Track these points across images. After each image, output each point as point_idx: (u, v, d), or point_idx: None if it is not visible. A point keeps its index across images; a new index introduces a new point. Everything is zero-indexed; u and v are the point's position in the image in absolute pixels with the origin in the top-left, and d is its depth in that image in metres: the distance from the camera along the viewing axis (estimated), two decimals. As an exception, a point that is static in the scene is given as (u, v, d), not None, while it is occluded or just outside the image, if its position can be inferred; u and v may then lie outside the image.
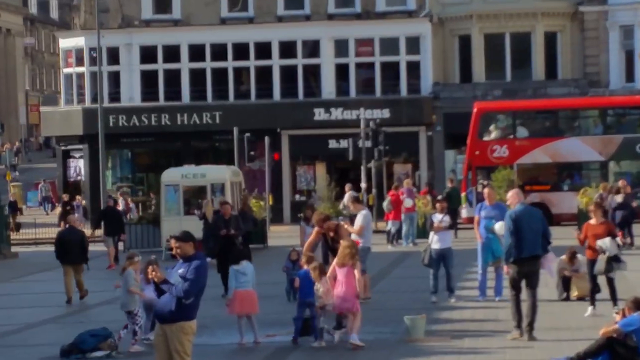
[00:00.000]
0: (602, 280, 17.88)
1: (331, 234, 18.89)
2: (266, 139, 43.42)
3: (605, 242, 17.72)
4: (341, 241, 17.82)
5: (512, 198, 16.56)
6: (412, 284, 24.06)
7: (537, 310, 15.76)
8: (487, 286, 21.11)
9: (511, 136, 42.47)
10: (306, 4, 49.44)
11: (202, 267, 9.76)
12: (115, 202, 37.28)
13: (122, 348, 15.76)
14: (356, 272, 16.02)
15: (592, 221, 18.42)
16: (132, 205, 43.96)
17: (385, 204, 36.08)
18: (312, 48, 49.27)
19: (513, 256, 15.67)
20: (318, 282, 15.88)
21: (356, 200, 24.21)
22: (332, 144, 47.88)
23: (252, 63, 48.23)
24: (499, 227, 18.47)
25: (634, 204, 33.03)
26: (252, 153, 43.80)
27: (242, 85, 49.17)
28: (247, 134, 42.92)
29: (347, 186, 39.42)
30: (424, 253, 21.43)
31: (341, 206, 36.51)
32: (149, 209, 42.22)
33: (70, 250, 24.78)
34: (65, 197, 44.34)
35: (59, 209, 48.18)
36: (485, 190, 22.70)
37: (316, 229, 19.44)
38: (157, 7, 49.82)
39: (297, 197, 48.45)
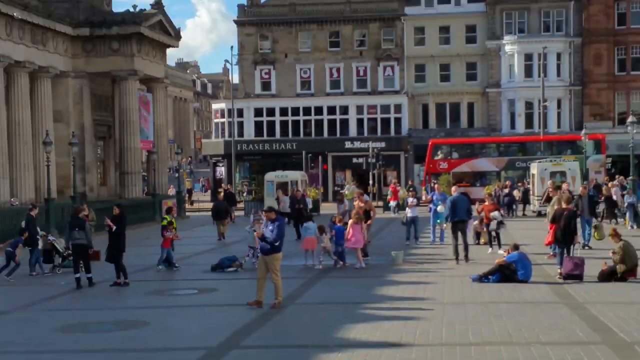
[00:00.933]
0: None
1: (362, 204, 23.86)
2: (320, 157, 60.46)
3: (494, 214, 23.89)
4: (354, 210, 23.54)
5: (453, 190, 23.69)
6: (395, 234, 29.08)
7: (467, 248, 21.54)
8: (435, 236, 26.95)
9: (449, 157, 53.80)
10: (341, 85, 63.58)
11: (281, 225, 15.31)
12: (228, 190, 45.64)
13: (245, 267, 21.25)
14: (363, 226, 21.76)
15: (487, 202, 24.81)
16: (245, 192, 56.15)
17: (389, 193, 45.28)
18: (344, 109, 62.70)
19: (451, 219, 21.75)
20: (348, 232, 21.02)
21: (360, 193, 26.58)
22: (354, 160, 60.29)
23: (312, 117, 62.80)
24: (440, 208, 25.37)
25: (515, 192, 41.28)
26: (312, 165, 59.24)
27: (307, 128, 63.40)
28: (310, 155, 58.45)
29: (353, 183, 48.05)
30: (403, 218, 27.84)
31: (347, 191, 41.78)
32: (257, 194, 51.97)
33: (219, 212, 32.49)
34: (224, 187, 50.68)
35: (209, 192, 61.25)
36: (436, 186, 31.79)
37: (358, 202, 24.25)
38: (264, 87, 64.89)
39: (336, 188, 59.33)
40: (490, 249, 23.08)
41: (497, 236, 23.86)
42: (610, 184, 36.81)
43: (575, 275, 17.37)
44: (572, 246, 18.42)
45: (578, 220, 20.54)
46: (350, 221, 21.67)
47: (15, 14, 38.09)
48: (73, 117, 44.28)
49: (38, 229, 23.11)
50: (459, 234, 21.54)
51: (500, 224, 24.06)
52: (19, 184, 39.28)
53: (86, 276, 19.43)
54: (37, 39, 40.87)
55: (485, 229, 23.99)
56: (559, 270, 17.86)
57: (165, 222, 22.88)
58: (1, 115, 37.76)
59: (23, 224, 23.27)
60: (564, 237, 18.03)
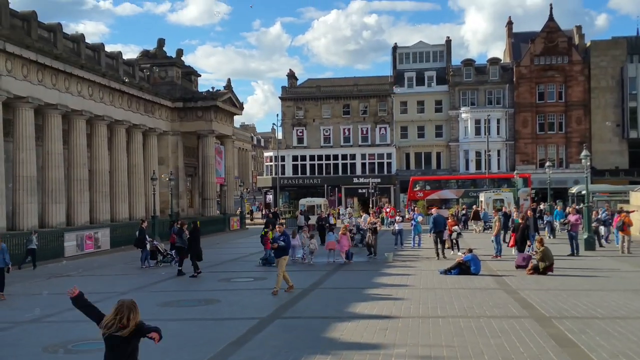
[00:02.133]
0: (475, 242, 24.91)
1: (374, 219, 24.59)
2: (336, 188, 62.22)
3: (455, 228, 23.96)
4: (344, 224, 24.92)
5: (433, 211, 28.39)
6: (388, 241, 28.72)
7: (444, 248, 22.26)
8: (415, 242, 27.12)
9: (424, 189, 53.22)
10: (351, 140, 63.61)
11: (288, 236, 15.99)
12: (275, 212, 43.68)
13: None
14: (347, 236, 21.99)
15: (450, 220, 24.52)
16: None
17: (382, 215, 43.94)
18: (353, 156, 63.10)
19: (433, 231, 21.91)
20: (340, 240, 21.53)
21: (365, 211, 32.98)
22: (360, 190, 61.07)
23: (331, 162, 63.28)
24: (421, 219, 27.61)
25: (468, 214, 39.43)
26: (331, 194, 61.41)
27: (327, 169, 62.85)
28: (329, 187, 61.87)
29: (348, 207, 54.93)
30: (393, 230, 28.72)
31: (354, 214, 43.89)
32: (294, 213, 50.23)
33: (269, 224, 29.51)
34: (273, 209, 50.66)
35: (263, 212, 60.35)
36: (415, 208, 37.38)
37: (370, 218, 25.06)
38: (299, 141, 64.82)
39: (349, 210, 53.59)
40: (452, 251, 22.96)
41: (457, 243, 23.80)
42: (538, 208, 36.06)
43: (522, 266, 17.72)
44: (526, 247, 19.13)
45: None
46: (340, 232, 21.89)
47: (134, 93, 38.89)
48: (171, 161, 44.77)
49: (147, 236, 23.33)
50: (438, 240, 21.75)
51: (459, 234, 24.40)
52: (135, 206, 39.69)
53: (177, 268, 19.57)
54: (148, 109, 41.55)
55: (449, 238, 23.90)
56: (516, 265, 18.11)
57: (263, 233, 22.63)
58: (123, 160, 38.32)
59: (137, 233, 23.47)
60: (520, 241, 18.68)
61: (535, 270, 17.11)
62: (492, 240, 22.43)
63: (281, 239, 15.14)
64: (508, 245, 21.88)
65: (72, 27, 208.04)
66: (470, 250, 18.17)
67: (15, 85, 27.32)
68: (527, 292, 14.19)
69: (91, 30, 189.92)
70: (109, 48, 38.37)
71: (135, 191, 39.71)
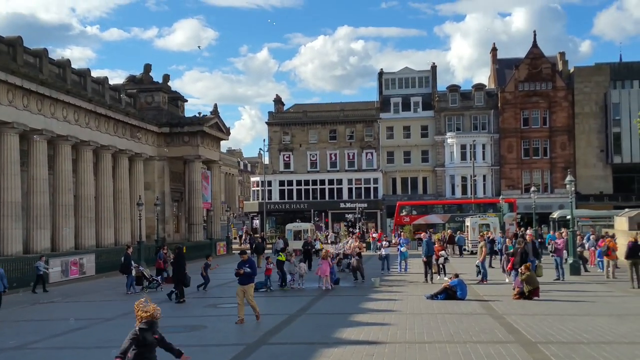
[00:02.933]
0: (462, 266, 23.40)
1: (358, 244, 26.36)
2: (323, 213, 61.99)
3: (442, 253, 23.81)
4: (324, 250, 24.09)
5: (422, 235, 25.47)
6: (374, 266, 28.99)
7: (432, 274, 22.23)
8: (401, 267, 27.00)
9: (410, 214, 52.51)
10: (337, 165, 63.54)
11: (253, 263, 14.78)
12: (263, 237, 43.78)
13: (273, 288, 20.97)
14: (327, 261, 21.32)
15: (436, 245, 23.73)
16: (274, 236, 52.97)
17: (369, 239, 46.06)
18: (339, 181, 62.93)
19: (425, 255, 22.09)
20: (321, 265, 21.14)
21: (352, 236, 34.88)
22: (346, 215, 61.24)
23: (318, 187, 63.02)
24: (404, 249, 27.04)
25: (454, 238, 40.11)
26: (317, 219, 60.73)
27: (314, 194, 62.58)
28: (316, 212, 61.31)
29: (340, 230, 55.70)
30: (379, 255, 28.29)
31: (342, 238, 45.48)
32: (280, 237, 46.06)
33: (258, 249, 32.10)
34: (253, 234, 52.12)
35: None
36: (402, 233, 38.25)
37: (356, 243, 26.54)
38: (285, 166, 64.63)
39: (333, 235, 56.62)
40: (438, 276, 22.90)
41: (443, 267, 23.88)
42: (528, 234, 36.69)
43: (521, 288, 17.41)
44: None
45: None
46: (321, 257, 21.71)
47: (120, 118, 38.93)
48: (157, 186, 44.67)
49: (132, 262, 23.17)
50: (428, 264, 21.91)
51: (445, 259, 24.29)
52: (120, 231, 39.46)
53: (168, 292, 19.47)
54: (135, 134, 41.57)
55: (435, 262, 23.88)
56: (514, 287, 17.71)
57: (283, 258, 22.23)
58: (109, 185, 38.19)
59: (122, 259, 23.31)
60: (519, 265, 18.12)
61: (521, 295, 17.20)
62: (477, 265, 22.46)
63: (246, 265, 14.36)
64: (506, 269, 21.69)
65: (58, 53, 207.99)
66: (457, 275, 18.23)
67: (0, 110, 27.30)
68: (513, 317, 14.22)
69: (78, 55, 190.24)
70: (95, 73, 38.57)
71: (121, 216, 39.51)
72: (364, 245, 29.22)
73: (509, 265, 20.33)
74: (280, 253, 23.72)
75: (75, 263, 28.31)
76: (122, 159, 40.03)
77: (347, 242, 32.85)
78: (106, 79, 39.45)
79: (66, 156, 33.11)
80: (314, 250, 31.98)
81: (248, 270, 14.19)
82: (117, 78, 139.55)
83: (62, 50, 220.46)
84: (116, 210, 38.93)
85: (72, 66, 35.19)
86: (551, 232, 34.52)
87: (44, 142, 30.85)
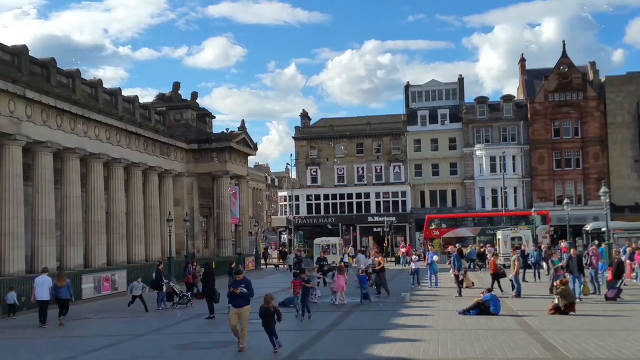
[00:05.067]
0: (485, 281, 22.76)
1: (380, 259, 24.59)
2: (351, 227, 61.71)
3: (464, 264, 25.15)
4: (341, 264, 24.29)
5: (451, 249, 27.85)
6: (404, 280, 29.06)
7: (461, 289, 21.90)
8: (432, 282, 26.78)
9: (440, 227, 52.88)
10: (364, 179, 63.20)
11: (249, 282, 12.89)
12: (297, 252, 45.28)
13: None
14: (344, 275, 21.19)
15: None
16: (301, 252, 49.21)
17: (398, 253, 47.47)
18: (367, 195, 62.56)
19: (456, 268, 22.22)
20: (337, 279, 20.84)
21: (377, 251, 33.53)
22: (374, 229, 60.52)
23: (346, 201, 62.69)
24: (437, 258, 27.10)
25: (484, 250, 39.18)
26: (346, 233, 61.28)
27: (342, 208, 63.08)
28: (344, 226, 61.64)
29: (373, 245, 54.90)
30: (409, 269, 28.70)
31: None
32: (309, 252, 52.28)
33: (298, 263, 36.88)
34: (297, 249, 51.42)
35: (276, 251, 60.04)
36: (430, 247, 33.07)
37: (378, 259, 24.76)
38: (312, 180, 63.75)
39: (362, 248, 53.46)
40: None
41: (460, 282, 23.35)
42: (563, 247, 35.61)
43: (611, 298, 18.65)
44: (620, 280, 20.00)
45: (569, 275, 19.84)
46: (336, 272, 21.32)
47: (149, 136, 39.55)
48: (186, 202, 45.15)
49: (163, 278, 23.37)
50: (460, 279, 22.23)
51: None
52: (151, 247, 39.90)
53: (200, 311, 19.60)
54: (164, 151, 42.18)
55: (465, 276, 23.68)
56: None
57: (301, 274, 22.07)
58: (140, 202, 38.72)
59: (154, 275, 23.53)
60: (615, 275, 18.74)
61: (557, 309, 16.86)
62: (511, 280, 22.03)
63: (242, 285, 12.55)
64: (607, 279, 21.07)
65: (91, 73, 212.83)
66: (489, 290, 17.95)
67: (34, 130, 28.01)
68: (549, 332, 13.93)
69: (110, 75, 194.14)
70: (126, 92, 39.41)
71: (151, 232, 39.98)
72: (387, 259, 28.46)
73: (610, 276, 20.21)
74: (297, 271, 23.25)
75: (107, 279, 28.70)
76: (152, 176, 40.60)
77: (370, 257, 32.19)
78: (136, 97, 40.19)
79: (98, 174, 33.74)
80: (327, 264, 31.05)
81: (244, 290, 12.43)
82: (147, 96, 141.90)
83: (95, 71, 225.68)
84: (146, 226, 39.42)
85: (104, 85, 35.96)
86: (591, 245, 33.73)
87: (76, 160, 31.49)
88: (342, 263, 24.82)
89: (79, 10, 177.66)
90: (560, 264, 21.16)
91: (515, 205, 59.28)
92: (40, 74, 29.58)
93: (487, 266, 28.01)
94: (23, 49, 28.01)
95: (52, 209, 29.23)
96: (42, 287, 18.65)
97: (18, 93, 26.45)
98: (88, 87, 34.33)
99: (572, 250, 23.44)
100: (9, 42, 28.30)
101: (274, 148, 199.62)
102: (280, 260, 51.24)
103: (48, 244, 28.63)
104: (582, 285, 20.82)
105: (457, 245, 35.06)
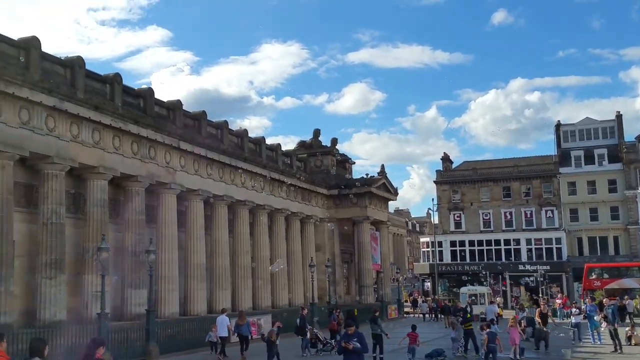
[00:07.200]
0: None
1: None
2: (500, 276, 59.82)
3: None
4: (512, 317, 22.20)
5: (610, 301, 28.38)
6: (562, 335, 27.10)
7: (620, 344, 21.11)
8: (594, 338, 24.96)
9: (601, 277, 49.03)
10: (513, 224, 60.64)
11: (362, 336, 11.46)
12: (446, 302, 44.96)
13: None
14: (517, 329, 20.21)
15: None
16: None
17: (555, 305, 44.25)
18: (517, 242, 60.22)
19: (611, 323, 22.16)
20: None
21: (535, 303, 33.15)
22: (526, 279, 58.19)
23: (493, 247, 60.49)
24: (598, 318, 25.20)
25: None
26: (494, 282, 58.48)
27: (489, 255, 60.71)
28: (492, 274, 59.29)
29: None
30: (570, 323, 27.10)
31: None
32: (454, 302, 44.53)
33: (445, 311, 37.70)
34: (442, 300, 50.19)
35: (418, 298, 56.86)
36: (588, 299, 34.07)
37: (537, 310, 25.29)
38: (456, 226, 62.94)
39: (512, 300, 54.75)
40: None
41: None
42: None
43: None
44: None
45: None
46: (509, 324, 20.55)
47: (291, 182, 40.99)
48: (328, 248, 45.85)
49: (307, 324, 23.67)
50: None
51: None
52: (294, 292, 40.82)
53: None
54: (305, 197, 43.44)
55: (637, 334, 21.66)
56: None
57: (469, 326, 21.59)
58: (283, 247, 39.98)
59: (298, 321, 23.91)
60: None
61: None
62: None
63: (354, 339, 11.21)
64: None
65: (238, 123, 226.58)
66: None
67: (187, 179, 30.20)
68: None
69: (255, 124, 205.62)
70: (270, 140, 41.64)
71: (294, 278, 40.98)
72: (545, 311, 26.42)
73: None
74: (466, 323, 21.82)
75: (253, 323, 29.59)
76: (294, 222, 41.88)
77: (526, 311, 30.62)
78: (279, 145, 42.07)
79: (244, 220, 35.46)
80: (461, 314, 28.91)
81: (357, 345, 11.10)
82: (289, 143, 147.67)
83: (242, 121, 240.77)
84: (290, 271, 40.45)
85: (249, 135, 38.07)
86: None
87: (224, 207, 33.38)
88: (514, 316, 23.23)
89: (227, 65, 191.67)
90: None
91: (691, 253, 53.96)
92: (192, 127, 31.96)
93: None
94: (177, 103, 30.50)
95: (203, 254, 31.05)
96: (222, 326, 22.06)
97: (173, 145, 28.74)
98: (235, 137, 36.52)
99: None
100: (165, 97, 31.37)
101: (415, 192, 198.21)
102: (413, 310, 50.70)
103: (199, 287, 30.34)
104: None
105: (617, 298, 32.28)
